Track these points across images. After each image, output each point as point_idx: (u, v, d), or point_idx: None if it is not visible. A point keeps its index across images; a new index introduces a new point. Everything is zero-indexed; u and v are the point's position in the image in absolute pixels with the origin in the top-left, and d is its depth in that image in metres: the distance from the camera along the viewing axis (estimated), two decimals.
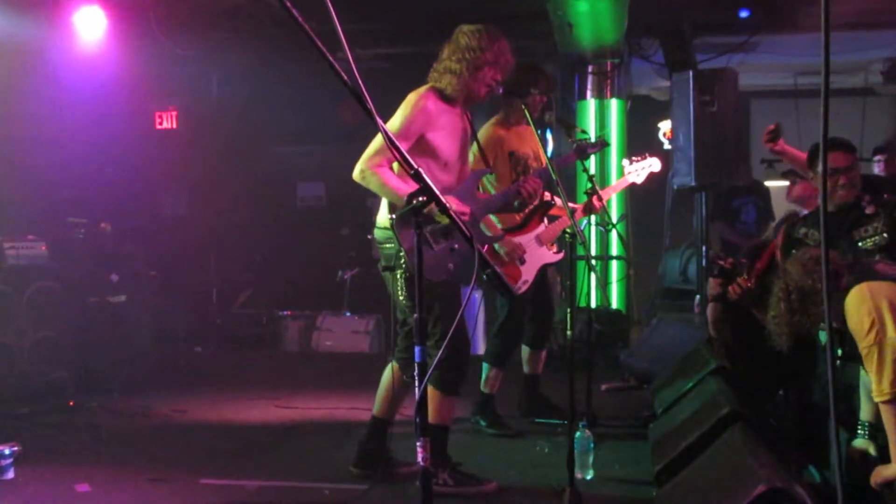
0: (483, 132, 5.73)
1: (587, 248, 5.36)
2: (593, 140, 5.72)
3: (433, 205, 2.71)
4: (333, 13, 2.51)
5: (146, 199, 10.69)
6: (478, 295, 8.46)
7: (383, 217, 4.47)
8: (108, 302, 7.52)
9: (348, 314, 9.93)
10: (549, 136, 9.99)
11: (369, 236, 10.41)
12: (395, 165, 4.39)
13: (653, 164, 6.05)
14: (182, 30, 9.26)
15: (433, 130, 4.45)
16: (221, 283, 10.86)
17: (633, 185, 6.13)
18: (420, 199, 2.72)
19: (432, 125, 4.44)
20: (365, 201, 9.87)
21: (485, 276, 2.83)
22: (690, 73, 7.73)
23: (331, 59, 2.43)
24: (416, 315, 2.80)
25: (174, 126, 11.20)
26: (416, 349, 2.82)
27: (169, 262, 9.76)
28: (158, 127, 11.18)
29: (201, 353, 9.56)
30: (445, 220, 3.98)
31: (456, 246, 4.28)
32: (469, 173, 4.79)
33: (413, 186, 2.71)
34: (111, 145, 9.20)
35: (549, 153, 8.37)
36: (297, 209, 12.02)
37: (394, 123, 4.38)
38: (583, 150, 5.50)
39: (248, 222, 11.15)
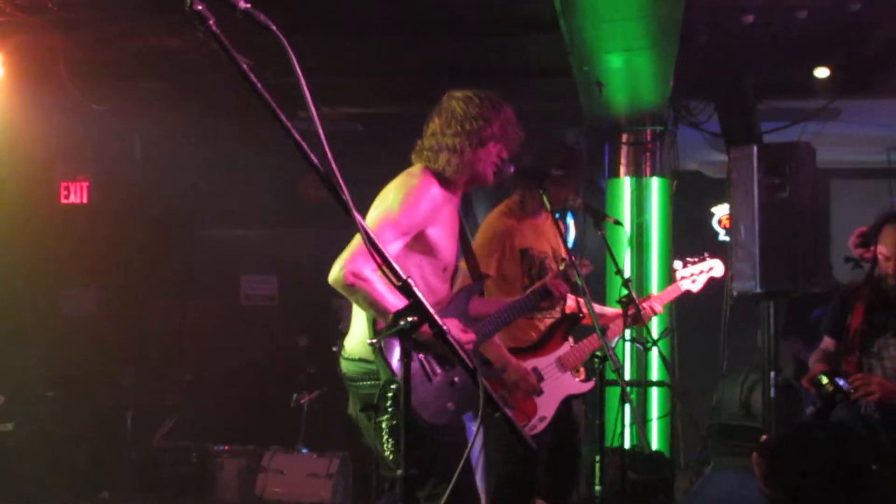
0: (489, 223, 5.70)
1: (620, 374, 5.29)
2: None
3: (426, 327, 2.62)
4: (296, 63, 2.47)
5: (44, 295, 10.59)
6: (475, 426, 8.33)
7: (359, 343, 4.30)
8: None
9: (305, 451, 9.77)
10: (570, 221, 9.99)
11: (335, 348, 10.32)
12: None
13: (713, 268, 6.03)
14: (99, 78, 9.29)
15: (435, 225, 4.32)
16: (138, 407, 10.69)
17: (686, 293, 6.10)
18: (409, 319, 2.63)
19: (436, 218, 4.32)
20: (330, 302, 9.79)
21: (497, 415, 2.73)
22: (755, 147, 7.75)
23: (293, 131, 2.38)
24: (400, 471, 2.69)
25: (84, 200, 11.19)
26: None
27: (71, 377, 9.62)
28: (64, 201, 11.16)
29: (109, 500, 9.39)
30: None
31: (456, 379, 4.17)
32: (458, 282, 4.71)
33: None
34: (1, 223, 9.14)
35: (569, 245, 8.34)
36: (241, 310, 11.93)
37: (391, 210, 4.22)
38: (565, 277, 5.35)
39: (176, 327, 11.04)
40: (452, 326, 4.27)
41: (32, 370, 8.25)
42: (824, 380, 5.47)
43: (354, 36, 8.90)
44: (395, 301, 4.03)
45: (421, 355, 4.12)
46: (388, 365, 4.04)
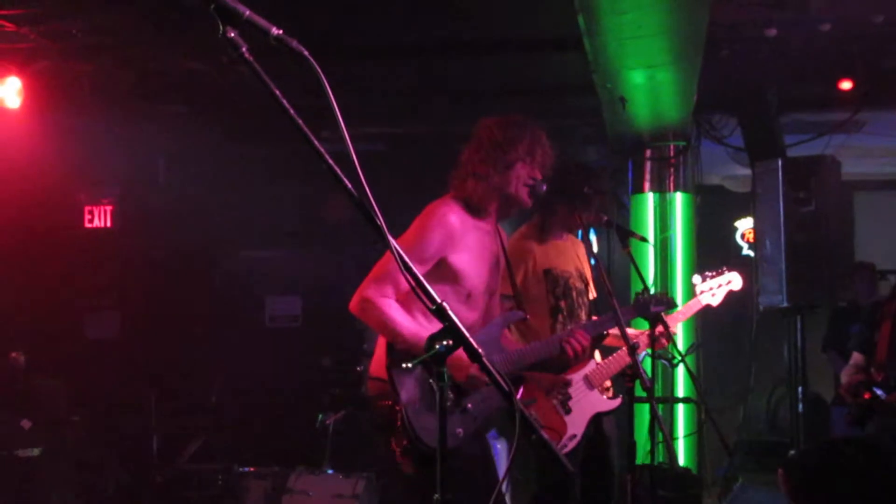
0: (510, 245, 5.71)
1: (651, 392, 5.27)
2: (654, 292, 5.57)
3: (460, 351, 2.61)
4: (328, 87, 2.47)
5: (69, 320, 10.61)
6: (501, 446, 8.31)
7: (376, 362, 4.39)
8: (16, 456, 7.42)
9: (330, 472, 9.74)
10: (592, 236, 9.98)
11: (359, 368, 10.32)
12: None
13: (732, 281, 6.02)
14: (122, 102, 9.33)
15: (456, 251, 4.40)
16: (164, 429, 10.71)
17: (706, 307, 6.08)
18: (445, 342, 2.62)
19: (455, 245, 4.39)
20: (354, 322, 9.79)
21: (533, 438, 2.72)
22: (779, 161, 7.73)
23: (326, 155, 2.38)
24: (437, 497, 2.67)
25: (108, 224, 11.21)
26: None
27: (97, 401, 9.63)
28: (88, 225, 11.19)
29: None
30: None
31: (469, 406, 4.21)
32: (497, 311, 4.73)
33: (428, 329, 2.63)
34: (26, 249, 9.17)
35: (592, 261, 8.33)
36: (265, 332, 11.93)
37: (407, 241, 4.32)
38: (644, 307, 5.39)
39: (201, 349, 11.04)
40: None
41: (59, 395, 8.25)
42: (863, 388, 5.46)
43: (376, 56, 8.93)
44: (405, 323, 4.17)
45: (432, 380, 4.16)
46: (396, 390, 4.14)
